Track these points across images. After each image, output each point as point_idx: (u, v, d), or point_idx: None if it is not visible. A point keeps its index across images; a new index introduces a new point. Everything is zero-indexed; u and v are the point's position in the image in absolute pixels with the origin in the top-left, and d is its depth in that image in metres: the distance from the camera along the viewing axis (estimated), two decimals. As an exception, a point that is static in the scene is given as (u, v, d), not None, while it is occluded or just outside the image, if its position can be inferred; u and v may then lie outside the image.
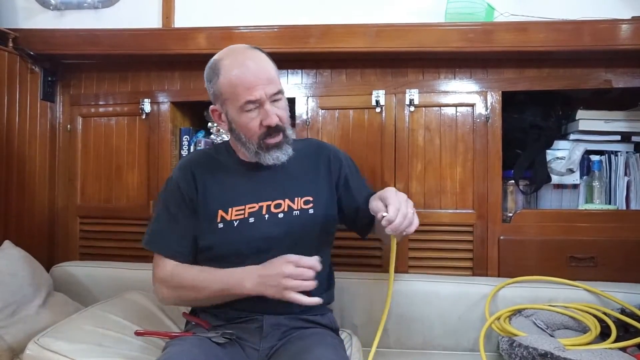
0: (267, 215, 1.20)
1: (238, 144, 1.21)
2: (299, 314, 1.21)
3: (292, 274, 1.06)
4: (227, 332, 1.15)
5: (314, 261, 1.08)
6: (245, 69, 1.13)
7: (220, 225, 1.19)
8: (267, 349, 1.16)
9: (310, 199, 1.24)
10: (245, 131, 1.16)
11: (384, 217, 1.04)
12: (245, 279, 1.11)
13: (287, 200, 1.22)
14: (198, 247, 1.22)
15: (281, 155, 1.19)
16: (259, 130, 1.16)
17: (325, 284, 1.28)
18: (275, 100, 1.16)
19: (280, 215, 1.21)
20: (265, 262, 1.11)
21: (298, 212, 1.22)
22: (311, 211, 1.23)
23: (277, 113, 1.15)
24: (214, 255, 1.20)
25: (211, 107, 1.22)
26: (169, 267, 1.20)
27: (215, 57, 1.20)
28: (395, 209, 1.03)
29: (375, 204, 1.10)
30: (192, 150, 1.83)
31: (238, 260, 1.16)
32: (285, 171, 1.23)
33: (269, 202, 1.21)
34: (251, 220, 1.19)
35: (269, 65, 1.17)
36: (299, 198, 1.23)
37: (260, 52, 1.20)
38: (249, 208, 1.20)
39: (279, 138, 1.17)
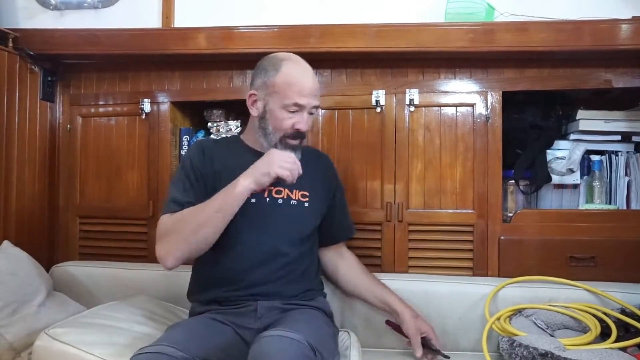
0: (267, 199, 1.32)
1: (260, 131, 1.33)
2: (290, 298, 1.29)
3: (287, 162, 1.20)
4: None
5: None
6: (304, 77, 1.29)
7: None
8: (261, 329, 1.20)
9: (307, 193, 1.37)
10: (276, 124, 1.29)
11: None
12: (239, 179, 1.21)
13: (286, 190, 1.34)
14: None
15: (295, 155, 1.29)
16: (289, 130, 1.29)
17: (313, 273, 1.39)
18: (310, 113, 1.31)
19: (280, 201, 1.33)
20: (253, 164, 1.23)
21: (295, 202, 1.35)
22: (306, 204, 1.36)
23: (308, 122, 1.31)
24: None
25: (251, 91, 1.33)
26: (167, 219, 1.26)
27: (277, 54, 1.35)
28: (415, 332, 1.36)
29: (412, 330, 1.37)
30: (192, 150, 1.83)
31: (234, 232, 1.26)
32: None
33: (271, 187, 1.31)
34: (253, 200, 1.29)
35: (318, 85, 1.33)
36: (297, 191, 1.35)
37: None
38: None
39: (297, 142, 1.32)
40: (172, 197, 1.29)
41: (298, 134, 1.30)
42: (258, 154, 1.30)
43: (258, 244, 1.29)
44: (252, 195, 1.26)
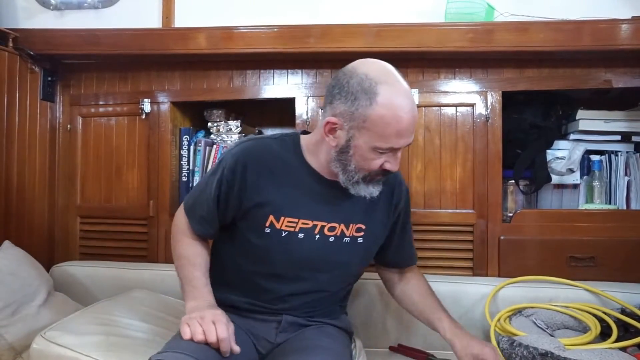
0: (317, 236, 1.15)
1: (337, 164, 1.09)
2: (316, 316, 1.21)
3: (204, 320, 1.03)
4: None
5: (226, 344, 1.02)
6: (405, 112, 1.02)
7: (267, 230, 1.13)
8: (280, 343, 1.17)
9: (363, 227, 1.18)
10: (362, 164, 1.07)
11: None
12: (195, 299, 1.11)
13: (342, 225, 1.16)
14: (241, 231, 1.18)
15: (375, 192, 1.12)
16: (376, 169, 1.08)
17: (342, 300, 1.31)
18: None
19: (331, 239, 1.16)
20: (216, 308, 1.09)
21: (348, 239, 1.17)
22: (360, 240, 1.18)
23: (399, 162, 1.10)
24: (250, 251, 1.17)
25: (330, 118, 1.05)
26: (186, 227, 1.20)
27: (368, 71, 1.03)
28: None
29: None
30: (191, 150, 1.83)
31: (269, 266, 1.15)
32: (345, 192, 1.13)
33: (324, 223, 1.14)
34: (300, 236, 1.13)
35: (417, 114, 1.08)
36: (353, 224, 1.17)
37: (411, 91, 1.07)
38: (302, 223, 1.14)
39: (383, 178, 1.13)
40: (197, 207, 1.18)
41: (385, 173, 1.11)
42: (313, 175, 1.15)
43: (297, 279, 1.16)
44: (300, 230, 1.13)
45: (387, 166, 1.07)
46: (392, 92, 1.01)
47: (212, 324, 1.01)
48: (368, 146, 1.04)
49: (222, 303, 1.15)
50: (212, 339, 1.00)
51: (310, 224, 1.14)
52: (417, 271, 1.35)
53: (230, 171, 1.13)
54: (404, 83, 1.04)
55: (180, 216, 1.22)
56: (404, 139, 1.04)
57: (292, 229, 1.13)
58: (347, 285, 1.29)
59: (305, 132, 1.22)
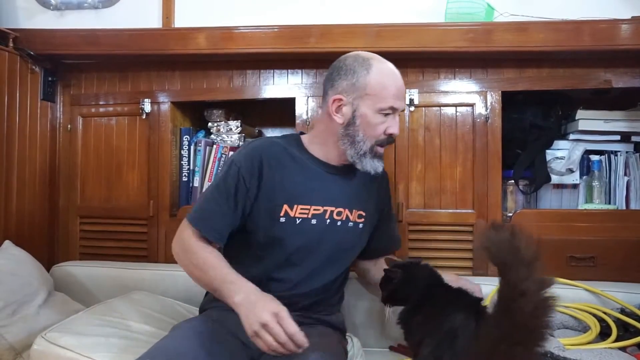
0: (328, 220, 1.22)
1: (345, 139, 1.20)
2: (308, 311, 1.24)
3: (268, 326, 0.98)
4: None
5: (300, 337, 0.98)
6: (397, 79, 1.19)
7: (282, 220, 1.19)
8: None
9: (363, 213, 1.27)
10: (369, 131, 1.18)
11: None
12: (238, 292, 1.06)
13: (346, 210, 1.24)
14: (251, 229, 1.21)
15: (379, 166, 1.22)
16: (381, 135, 1.20)
17: (339, 289, 1.35)
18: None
19: (339, 224, 1.24)
20: (263, 293, 1.07)
21: (352, 224, 1.25)
22: (361, 226, 1.27)
23: (398, 124, 1.22)
24: (265, 242, 1.20)
25: (335, 96, 1.19)
26: (194, 238, 1.18)
27: (358, 53, 1.23)
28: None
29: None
30: (192, 150, 1.83)
31: (283, 255, 1.19)
32: (350, 180, 1.26)
33: (333, 208, 1.22)
34: (313, 221, 1.21)
35: None
36: (356, 210, 1.26)
37: None
38: (314, 209, 1.21)
39: (383, 150, 1.23)
40: (209, 220, 1.18)
41: (388, 140, 1.22)
42: (320, 164, 1.24)
43: (307, 265, 1.21)
44: (313, 216, 1.20)
45: (391, 130, 1.19)
46: (382, 63, 1.20)
47: (276, 324, 0.98)
48: (372, 111, 1.17)
49: (221, 309, 1.18)
50: (282, 339, 0.97)
51: (321, 209, 1.21)
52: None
53: (247, 168, 1.19)
54: (391, 64, 1.22)
55: (186, 232, 1.19)
56: (399, 100, 1.20)
57: (305, 216, 1.20)
58: (344, 272, 1.33)
59: (302, 134, 1.32)
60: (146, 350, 1.04)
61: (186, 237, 1.19)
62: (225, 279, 1.10)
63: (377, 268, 1.37)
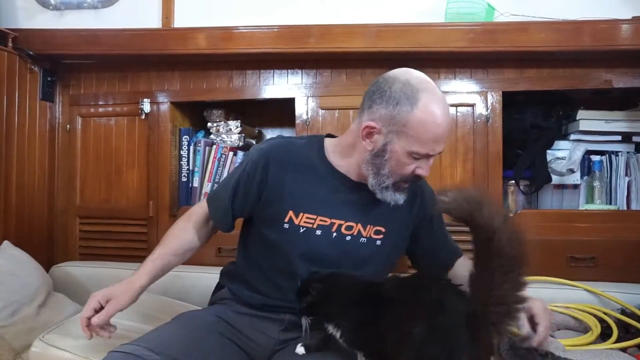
0: (335, 234, 1.16)
1: (369, 167, 1.11)
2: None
3: (91, 300, 1.10)
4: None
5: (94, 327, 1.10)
6: (443, 120, 1.06)
7: (286, 226, 1.15)
8: (282, 342, 1.17)
9: (382, 229, 1.19)
10: (396, 169, 1.10)
11: (528, 337, 1.03)
12: (133, 275, 1.18)
13: (359, 225, 1.17)
14: (257, 226, 1.21)
15: (400, 199, 1.14)
16: (408, 175, 1.11)
17: None
18: None
19: (348, 238, 1.16)
20: (132, 285, 1.15)
21: (365, 239, 1.18)
22: (378, 242, 1.19)
23: (430, 167, 1.13)
24: (269, 247, 1.19)
25: (369, 122, 1.08)
26: (194, 210, 1.26)
27: (409, 78, 1.08)
28: (545, 330, 1.05)
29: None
30: (191, 151, 1.83)
31: (286, 262, 1.15)
32: (368, 195, 1.16)
33: (342, 222, 1.16)
34: (318, 232, 1.15)
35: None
36: (371, 226, 1.18)
37: None
38: (320, 220, 1.15)
39: (407, 185, 1.14)
40: (217, 204, 1.22)
41: (415, 179, 1.13)
42: (335, 175, 1.17)
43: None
44: (318, 227, 1.14)
45: (419, 172, 1.10)
46: (432, 99, 1.06)
47: (96, 302, 1.09)
48: (405, 151, 1.07)
49: (236, 298, 1.22)
50: (86, 313, 1.09)
51: (329, 221, 1.16)
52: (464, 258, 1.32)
53: (253, 164, 1.17)
54: (440, 92, 1.10)
55: (197, 205, 1.29)
56: (439, 145, 1.08)
57: (310, 225, 1.15)
58: None
59: (330, 136, 1.25)
60: (142, 335, 1.08)
61: (193, 209, 1.27)
62: (146, 261, 1.21)
63: (455, 273, 1.29)
